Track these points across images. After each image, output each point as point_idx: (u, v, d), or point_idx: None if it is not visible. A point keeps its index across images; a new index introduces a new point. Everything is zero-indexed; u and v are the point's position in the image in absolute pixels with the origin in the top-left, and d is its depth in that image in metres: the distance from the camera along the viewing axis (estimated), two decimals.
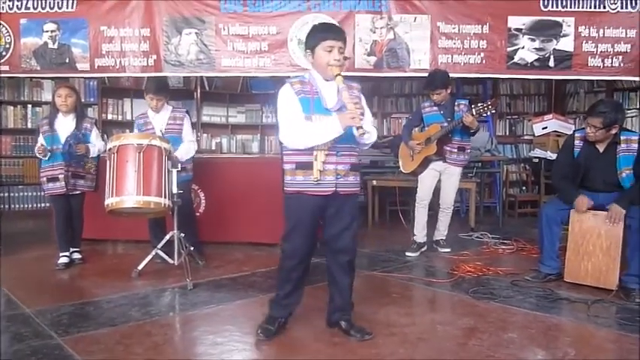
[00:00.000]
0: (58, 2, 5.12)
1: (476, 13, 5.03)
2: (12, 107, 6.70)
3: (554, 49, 5.03)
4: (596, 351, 2.61)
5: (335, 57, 2.47)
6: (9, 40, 5.17)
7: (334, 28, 2.64)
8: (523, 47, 5.04)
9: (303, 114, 2.48)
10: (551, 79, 6.92)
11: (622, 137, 3.58)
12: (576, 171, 3.71)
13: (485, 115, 4.47)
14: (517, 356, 2.49)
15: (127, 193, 3.54)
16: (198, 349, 2.59)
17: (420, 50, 5.10)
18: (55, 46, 5.18)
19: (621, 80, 6.39)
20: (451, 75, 4.63)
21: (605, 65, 5.04)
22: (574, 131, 3.94)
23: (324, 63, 2.49)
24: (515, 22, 5.02)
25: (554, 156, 5.89)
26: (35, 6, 5.14)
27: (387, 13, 5.09)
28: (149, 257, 3.87)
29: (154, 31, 5.14)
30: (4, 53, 5.17)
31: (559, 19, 4.99)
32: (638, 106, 6.73)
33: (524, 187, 7.66)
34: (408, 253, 4.61)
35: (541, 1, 4.98)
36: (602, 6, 4.97)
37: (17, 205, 6.65)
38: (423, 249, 4.70)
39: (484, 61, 5.08)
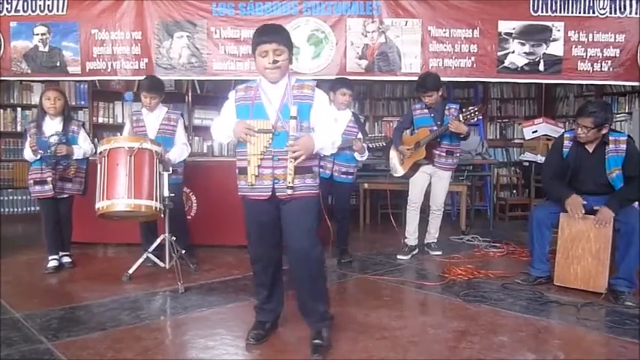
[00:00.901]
0: (48, 5, 5.11)
1: (466, 17, 5.07)
2: (1, 110, 6.65)
3: (544, 53, 5.08)
4: (586, 354, 2.62)
5: (269, 61, 2.43)
6: None
7: (269, 31, 2.53)
8: (513, 51, 5.09)
9: (236, 119, 2.51)
10: (541, 83, 7.01)
11: (610, 138, 3.61)
12: (565, 171, 3.73)
13: (472, 120, 4.49)
14: (508, 359, 2.50)
15: (118, 197, 3.52)
16: (189, 353, 2.58)
17: (411, 54, 5.13)
18: (46, 49, 5.16)
19: (610, 84, 6.46)
20: (442, 79, 4.66)
21: (595, 70, 5.09)
22: (563, 132, 3.96)
23: (261, 68, 2.49)
24: (505, 26, 5.07)
25: (544, 159, 5.93)
26: (25, 9, 5.12)
27: (378, 17, 5.12)
28: (140, 261, 3.86)
29: (146, 34, 5.14)
30: None
31: (549, 23, 5.04)
32: (627, 111, 6.79)
33: (514, 191, 7.70)
34: (399, 256, 4.62)
35: (531, 6, 5.03)
36: (591, 11, 5.02)
37: (6, 209, 6.60)
38: (414, 252, 4.71)
39: (475, 65, 5.12)
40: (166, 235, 3.81)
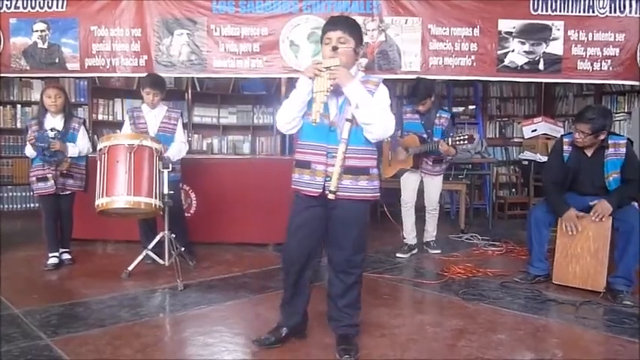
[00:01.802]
0: (48, 2, 5.09)
1: (467, 16, 5.05)
2: (1, 107, 6.64)
3: (543, 52, 5.07)
4: (584, 352, 2.63)
5: (329, 48, 2.39)
6: None
7: (336, 19, 2.52)
8: (513, 50, 5.08)
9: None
10: (541, 82, 7.01)
11: (610, 141, 3.62)
12: (566, 175, 3.74)
13: (462, 147, 4.53)
14: (506, 357, 2.51)
15: (118, 194, 3.52)
16: (188, 350, 2.59)
17: (411, 52, 5.12)
18: (45, 46, 5.15)
19: (610, 84, 6.46)
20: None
21: (594, 69, 5.09)
22: (562, 136, 3.96)
23: (325, 55, 2.43)
24: (505, 25, 5.06)
25: (543, 158, 5.94)
26: (25, 5, 5.10)
27: (378, 15, 5.10)
28: (139, 258, 3.86)
29: (145, 31, 5.12)
30: None
31: (549, 22, 5.03)
32: (626, 110, 6.78)
33: (513, 189, 7.71)
34: (398, 255, 4.63)
35: (531, 5, 5.01)
36: (591, 10, 5.01)
37: (6, 206, 6.59)
38: (413, 251, 4.72)
39: (475, 64, 5.10)
40: (166, 232, 3.81)
